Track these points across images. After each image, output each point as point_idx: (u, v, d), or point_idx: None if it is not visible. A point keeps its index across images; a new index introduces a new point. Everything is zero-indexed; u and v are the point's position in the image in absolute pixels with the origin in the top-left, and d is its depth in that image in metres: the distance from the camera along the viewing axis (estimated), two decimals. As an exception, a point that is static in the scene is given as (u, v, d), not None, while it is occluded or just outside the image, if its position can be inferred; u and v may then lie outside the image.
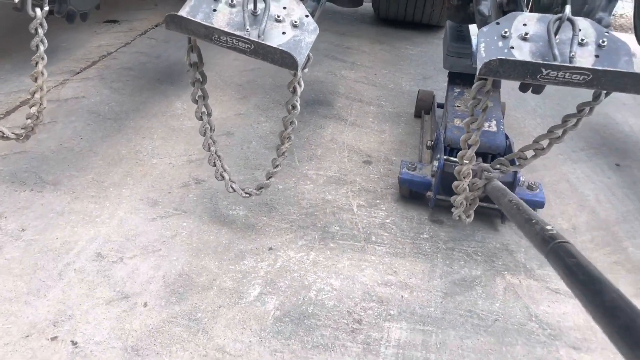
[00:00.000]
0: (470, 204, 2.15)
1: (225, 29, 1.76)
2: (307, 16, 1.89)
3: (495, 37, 1.74)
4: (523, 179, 2.46)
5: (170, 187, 2.60)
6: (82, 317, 1.86)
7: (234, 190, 2.27)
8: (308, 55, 1.86)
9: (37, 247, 2.16)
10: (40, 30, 2.11)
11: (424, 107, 3.48)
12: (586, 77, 1.56)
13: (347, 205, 2.58)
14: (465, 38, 2.97)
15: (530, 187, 2.49)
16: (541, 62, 1.59)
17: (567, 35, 1.72)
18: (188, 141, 3.00)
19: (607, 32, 1.72)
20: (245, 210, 2.48)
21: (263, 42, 1.73)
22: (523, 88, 2.20)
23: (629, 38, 2.49)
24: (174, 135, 3.06)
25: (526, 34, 1.74)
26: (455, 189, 2.06)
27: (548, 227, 1.39)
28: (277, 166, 2.20)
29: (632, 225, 2.62)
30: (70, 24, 2.86)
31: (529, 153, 2.05)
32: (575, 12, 1.77)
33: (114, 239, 2.24)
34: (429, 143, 2.84)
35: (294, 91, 1.96)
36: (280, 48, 1.73)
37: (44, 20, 2.12)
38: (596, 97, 1.75)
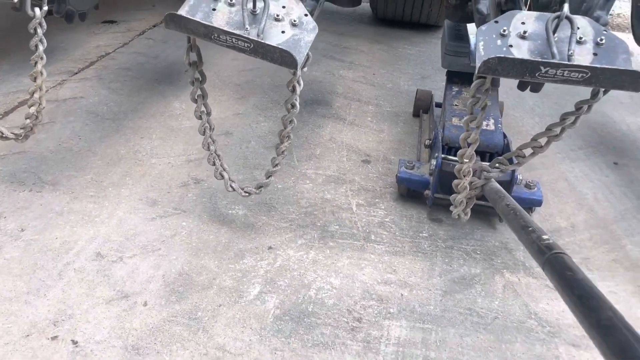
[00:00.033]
0: (467, 203, 2.16)
1: (225, 28, 1.77)
2: (306, 15, 1.89)
3: (494, 36, 1.75)
4: (521, 178, 2.47)
5: (169, 187, 2.60)
6: (82, 316, 1.86)
7: (234, 190, 2.28)
8: (307, 54, 1.86)
9: (36, 247, 2.16)
10: (39, 30, 2.11)
11: (423, 106, 3.48)
12: (584, 75, 1.57)
13: (346, 204, 2.59)
14: (463, 37, 2.98)
15: (528, 186, 2.50)
16: (540, 60, 1.59)
17: (566, 34, 1.73)
18: (187, 141, 3.00)
19: (605, 31, 1.73)
20: (245, 210, 2.49)
21: (262, 41, 1.73)
22: (522, 86, 2.21)
23: (626, 37, 2.49)
24: (173, 135, 3.06)
25: (525, 32, 1.74)
26: (456, 188, 2.07)
27: (545, 237, 1.39)
28: (276, 165, 2.20)
29: (630, 223, 2.63)
30: (69, 23, 2.86)
31: (527, 151, 2.05)
32: (573, 11, 1.78)
33: (114, 239, 2.24)
34: (427, 142, 2.85)
35: (293, 90, 1.97)
36: (280, 47, 1.73)
37: (43, 20, 2.12)
38: (594, 95, 1.76)
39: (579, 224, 2.60)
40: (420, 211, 2.59)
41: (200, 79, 2.09)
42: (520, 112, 3.72)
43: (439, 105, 3.29)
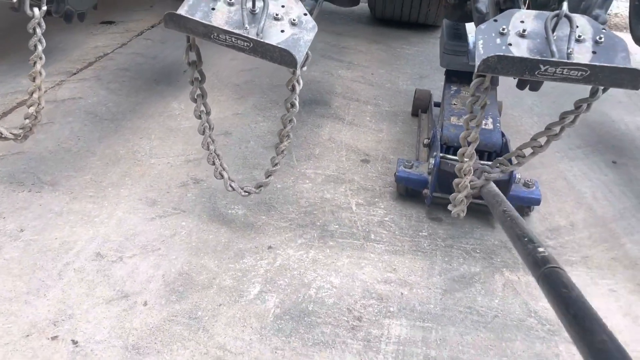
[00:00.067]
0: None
1: (224, 27, 1.77)
2: (305, 14, 1.89)
3: (493, 34, 1.75)
4: (519, 176, 2.47)
5: (168, 187, 2.60)
6: (82, 316, 1.86)
7: (233, 189, 2.28)
8: (307, 53, 1.86)
9: (36, 247, 2.15)
10: (38, 30, 2.11)
11: (421, 106, 3.48)
12: (584, 73, 1.57)
13: (346, 203, 2.59)
14: (461, 36, 2.98)
15: (526, 185, 2.50)
16: (539, 58, 1.60)
17: (565, 32, 1.73)
18: (186, 141, 3.00)
19: (604, 29, 1.73)
20: (244, 209, 2.49)
21: (262, 40, 1.73)
22: (521, 85, 2.21)
23: (624, 37, 2.50)
24: (172, 135, 3.06)
25: (524, 30, 1.74)
26: (456, 187, 2.07)
27: (540, 249, 1.39)
28: (276, 164, 2.20)
29: (629, 222, 2.64)
30: (67, 23, 2.86)
31: (527, 151, 2.06)
32: (572, 9, 1.78)
33: (113, 239, 2.24)
34: (425, 141, 2.86)
35: (293, 89, 1.97)
36: (279, 46, 1.73)
37: (42, 20, 2.12)
38: (593, 94, 1.76)
39: (578, 223, 2.60)
40: (419, 210, 2.59)
41: (200, 78, 2.09)
42: (518, 112, 3.73)
43: (437, 104, 3.29)
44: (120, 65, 3.94)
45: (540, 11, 1.79)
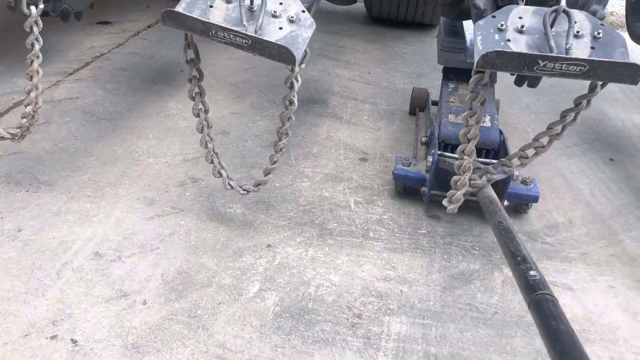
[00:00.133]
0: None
1: (222, 25, 1.76)
2: (303, 11, 1.89)
3: (492, 30, 1.75)
4: (517, 174, 2.47)
5: (166, 186, 2.59)
6: (82, 315, 1.85)
7: (232, 188, 2.27)
8: (305, 51, 1.86)
9: (34, 247, 2.15)
10: (35, 29, 2.11)
11: (419, 104, 3.49)
12: (583, 68, 1.57)
13: (345, 202, 2.59)
14: (459, 33, 2.98)
15: (524, 182, 2.50)
16: (538, 53, 1.60)
17: (563, 28, 1.73)
18: (183, 140, 2.99)
19: (602, 24, 1.73)
20: (243, 208, 2.48)
21: (260, 37, 1.73)
22: (519, 82, 2.21)
23: (621, 33, 2.51)
24: (169, 134, 3.05)
25: (522, 26, 1.75)
26: (454, 184, 2.07)
27: (532, 273, 1.41)
28: (274, 162, 2.20)
29: (627, 218, 2.64)
30: (64, 22, 2.85)
31: (530, 151, 2.06)
32: (570, 5, 1.79)
33: (112, 238, 2.23)
34: (423, 139, 2.86)
35: (291, 87, 1.96)
36: (278, 43, 1.73)
37: (39, 18, 2.11)
38: (592, 89, 1.77)
39: (576, 220, 2.60)
40: (418, 208, 2.59)
41: (198, 76, 2.09)
42: (516, 110, 3.73)
43: (435, 103, 3.29)
44: (117, 65, 3.93)
45: (539, 7, 1.79)
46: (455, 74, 2.94)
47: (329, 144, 3.09)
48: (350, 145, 3.09)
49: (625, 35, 3.03)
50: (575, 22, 1.72)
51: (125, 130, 3.06)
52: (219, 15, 1.85)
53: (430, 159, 2.45)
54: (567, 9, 1.73)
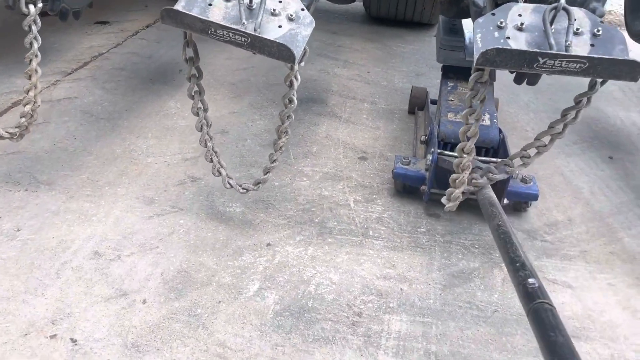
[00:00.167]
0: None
1: (222, 23, 1.76)
2: (302, 10, 1.88)
3: (491, 28, 1.75)
4: (517, 172, 2.47)
5: (166, 185, 2.59)
6: (81, 314, 1.85)
7: (231, 186, 2.27)
8: (304, 49, 1.85)
9: (33, 246, 2.14)
10: (33, 27, 2.10)
11: (418, 103, 3.49)
12: (582, 65, 1.57)
13: (344, 200, 2.59)
14: (458, 31, 2.98)
15: (524, 180, 2.50)
16: (538, 50, 1.60)
17: (562, 25, 1.73)
18: (182, 140, 2.98)
19: (601, 22, 1.73)
20: (242, 207, 2.48)
21: (260, 35, 1.73)
22: (518, 79, 2.21)
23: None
24: (168, 134, 3.05)
25: (522, 24, 1.75)
26: (453, 183, 2.07)
27: (531, 281, 1.40)
28: (274, 161, 2.20)
29: (626, 216, 2.64)
30: (63, 21, 2.84)
31: (532, 151, 2.06)
32: (569, 3, 1.79)
33: (111, 237, 2.22)
34: (422, 138, 2.85)
35: (291, 85, 1.96)
36: (277, 41, 1.72)
37: (38, 17, 2.11)
38: (592, 87, 1.77)
39: (575, 218, 2.60)
40: (417, 207, 2.59)
41: (197, 75, 2.08)
42: (514, 108, 3.73)
43: (434, 102, 3.29)
44: (116, 65, 3.93)
45: (538, 4, 1.79)
46: (454, 72, 2.94)
47: (328, 143, 3.09)
48: (349, 144, 3.09)
49: (625, 33, 3.04)
50: (575, 20, 1.72)
51: (124, 129, 3.05)
52: (218, 13, 1.84)
53: (429, 157, 2.45)
54: (566, 6, 1.73)
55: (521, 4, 1.80)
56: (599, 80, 1.74)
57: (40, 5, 2.12)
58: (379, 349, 1.82)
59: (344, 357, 1.78)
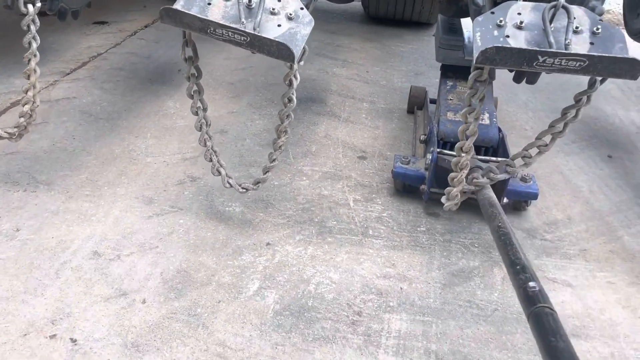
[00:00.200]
0: (461, 196, 2.15)
1: (221, 22, 1.76)
2: (302, 8, 1.88)
3: (491, 26, 1.75)
4: (518, 172, 2.47)
5: (165, 185, 2.58)
6: (81, 314, 1.85)
7: (231, 186, 2.27)
8: (304, 48, 1.85)
9: (32, 246, 2.14)
10: (32, 27, 2.09)
11: (417, 103, 3.49)
12: (582, 63, 1.57)
13: (344, 200, 2.58)
14: (457, 30, 2.98)
15: (524, 179, 2.50)
16: (538, 49, 1.60)
17: (562, 24, 1.73)
18: (182, 139, 2.98)
19: (601, 20, 1.73)
20: (242, 207, 2.48)
21: (259, 34, 1.73)
22: (517, 78, 2.21)
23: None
24: (167, 134, 3.04)
25: (521, 22, 1.75)
26: (451, 181, 2.07)
27: (532, 284, 1.39)
28: (273, 160, 2.20)
29: (625, 214, 2.64)
30: (61, 21, 2.84)
31: (533, 151, 2.06)
32: (568, 1, 1.79)
33: (110, 237, 2.22)
34: (422, 137, 2.85)
35: (290, 84, 1.96)
36: (277, 40, 1.72)
37: (36, 17, 2.10)
38: (592, 85, 1.77)
39: (575, 216, 2.60)
40: (417, 206, 2.59)
41: (196, 74, 2.08)
42: (513, 107, 3.73)
43: (433, 101, 3.29)
44: (114, 65, 3.92)
45: (537, 3, 1.79)
46: (453, 71, 2.93)
47: (328, 143, 3.09)
48: (348, 144, 3.09)
49: (623, 32, 3.04)
50: (574, 18, 1.72)
51: (124, 129, 3.05)
52: (217, 12, 1.84)
53: (429, 156, 2.45)
54: (566, 4, 1.73)
55: (520, 3, 1.80)
56: (599, 78, 1.74)
57: (38, 4, 2.11)
58: (379, 348, 1.82)
59: (344, 356, 1.78)
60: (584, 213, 2.64)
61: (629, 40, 2.81)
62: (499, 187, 2.32)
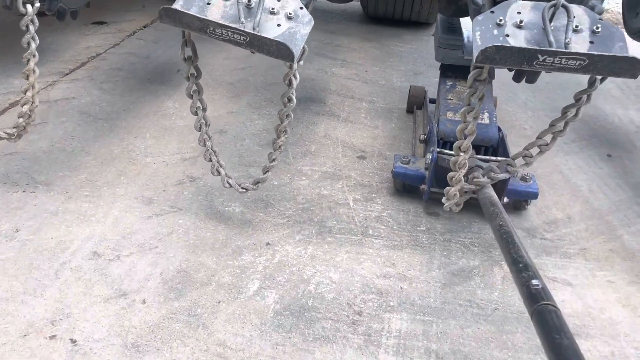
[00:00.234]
0: (461, 196, 2.15)
1: (220, 22, 1.75)
2: (301, 8, 1.88)
3: (490, 26, 1.75)
4: (519, 171, 2.47)
5: (164, 185, 2.58)
6: (81, 315, 1.84)
7: (230, 186, 2.26)
8: (303, 47, 1.85)
9: (31, 247, 2.13)
10: (31, 27, 2.09)
11: (416, 102, 3.48)
12: (582, 62, 1.57)
13: (343, 199, 2.58)
14: (456, 30, 2.98)
15: (524, 179, 2.50)
16: (538, 48, 1.60)
17: (562, 22, 1.73)
18: (181, 140, 2.98)
19: (600, 19, 1.73)
20: (241, 207, 2.47)
21: (259, 34, 1.72)
22: (517, 77, 2.21)
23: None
24: (167, 134, 3.04)
25: (521, 21, 1.74)
26: (450, 180, 2.07)
27: (535, 282, 1.39)
28: (273, 160, 2.19)
29: (625, 213, 2.64)
30: (60, 21, 2.83)
31: (533, 150, 2.06)
32: (568, 0, 1.79)
33: (110, 238, 2.22)
34: (422, 137, 2.85)
35: (290, 84, 1.96)
36: (276, 40, 1.72)
37: (35, 17, 2.10)
38: (592, 84, 1.76)
39: (574, 215, 2.60)
40: (417, 205, 2.59)
41: (196, 74, 2.08)
42: (513, 107, 3.73)
43: (432, 101, 3.29)
44: (113, 65, 3.92)
45: (537, 2, 1.79)
46: (453, 71, 2.93)
47: (327, 142, 3.08)
48: (348, 143, 3.09)
49: (623, 31, 3.04)
50: (574, 17, 1.72)
51: (123, 129, 3.04)
52: (216, 12, 1.84)
53: (429, 156, 2.45)
54: (565, 3, 1.72)
55: (520, 2, 1.80)
56: (599, 77, 1.73)
57: (37, 5, 2.11)
58: (379, 348, 1.82)
59: (344, 356, 1.78)
60: (583, 212, 2.64)
61: (628, 39, 2.82)
62: (500, 187, 2.32)
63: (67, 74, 3.70)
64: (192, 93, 2.11)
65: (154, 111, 3.28)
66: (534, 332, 1.92)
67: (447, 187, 2.09)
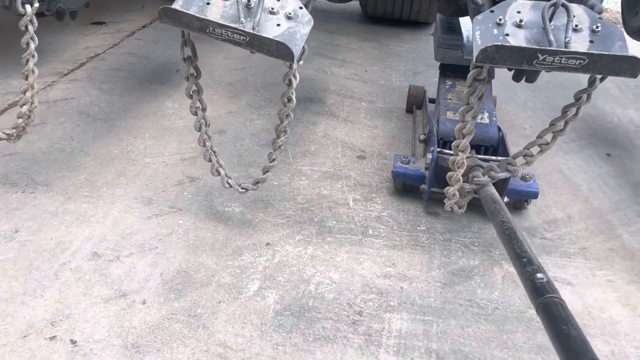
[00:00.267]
0: (464, 196, 2.15)
1: (220, 22, 1.75)
2: (301, 8, 1.88)
3: (490, 25, 1.75)
4: (519, 171, 2.47)
5: (164, 186, 2.58)
6: (81, 315, 1.84)
7: (230, 186, 2.26)
8: (303, 47, 1.85)
9: (31, 247, 2.13)
10: (30, 27, 2.09)
11: (416, 102, 3.48)
12: (582, 61, 1.57)
13: (343, 199, 2.58)
14: (455, 30, 2.98)
15: (524, 178, 2.50)
16: (537, 47, 1.60)
17: (561, 22, 1.73)
18: (180, 140, 2.97)
19: (600, 18, 1.73)
20: (241, 207, 2.47)
21: (258, 34, 1.72)
22: (517, 77, 2.21)
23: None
24: (166, 134, 3.04)
25: (521, 21, 1.74)
26: (449, 180, 2.06)
27: (539, 275, 1.38)
28: (273, 160, 2.19)
29: (625, 213, 2.64)
30: (59, 21, 2.83)
31: (534, 150, 2.06)
32: (567, -1, 1.79)
33: (110, 238, 2.21)
34: (422, 137, 2.85)
35: (290, 84, 1.96)
36: (276, 39, 1.72)
37: (34, 17, 2.10)
38: (592, 83, 1.76)
39: (574, 215, 2.60)
40: (417, 205, 2.59)
41: (195, 74, 2.07)
42: (512, 106, 3.73)
43: (432, 100, 3.29)
44: (113, 66, 3.91)
45: (537, 1, 1.79)
46: (452, 70, 2.93)
47: (327, 142, 3.08)
48: (347, 143, 3.09)
49: (623, 30, 3.04)
50: (574, 16, 1.72)
51: (122, 130, 3.04)
52: (216, 12, 1.83)
53: (429, 156, 2.44)
54: (565, 2, 1.72)
55: (520, 1, 1.80)
56: (599, 76, 1.73)
57: (36, 5, 2.10)
58: (380, 348, 1.82)
59: (345, 355, 1.78)
60: (583, 211, 2.64)
61: (628, 38, 2.82)
62: (500, 186, 2.31)
63: (66, 75, 3.70)
64: (191, 93, 2.11)
65: (153, 111, 3.28)
66: (534, 332, 1.93)
67: (447, 187, 2.09)
